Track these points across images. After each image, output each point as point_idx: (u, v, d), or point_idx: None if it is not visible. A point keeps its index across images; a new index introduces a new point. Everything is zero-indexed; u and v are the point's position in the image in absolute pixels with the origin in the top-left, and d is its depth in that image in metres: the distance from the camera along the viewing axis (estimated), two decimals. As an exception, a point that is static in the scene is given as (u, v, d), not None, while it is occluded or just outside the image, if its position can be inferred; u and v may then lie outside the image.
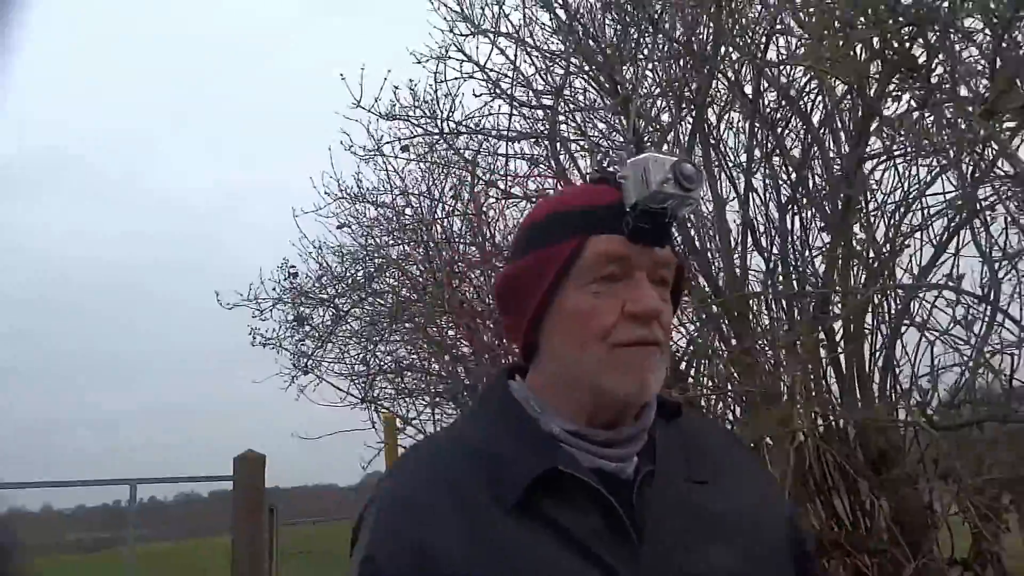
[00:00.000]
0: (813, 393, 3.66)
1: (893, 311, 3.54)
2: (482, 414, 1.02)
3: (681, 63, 3.72)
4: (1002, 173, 3.23)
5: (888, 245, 3.89)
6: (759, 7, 3.73)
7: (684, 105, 3.97)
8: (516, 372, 1.04)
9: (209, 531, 9.45)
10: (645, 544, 0.88)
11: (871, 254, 3.79)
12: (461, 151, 4.99)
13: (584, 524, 0.87)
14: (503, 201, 5.02)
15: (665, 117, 4.19)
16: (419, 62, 4.56)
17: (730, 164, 4.25)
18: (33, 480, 7.71)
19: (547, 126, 4.49)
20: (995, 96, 2.53)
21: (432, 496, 0.89)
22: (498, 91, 4.53)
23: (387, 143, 4.98)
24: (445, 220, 5.42)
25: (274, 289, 5.82)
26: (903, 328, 3.46)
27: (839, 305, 3.75)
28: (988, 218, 3.58)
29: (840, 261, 3.76)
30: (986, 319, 3.05)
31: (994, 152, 3.08)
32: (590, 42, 3.83)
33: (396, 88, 4.76)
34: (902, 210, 3.91)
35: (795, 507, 1.07)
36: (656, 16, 3.44)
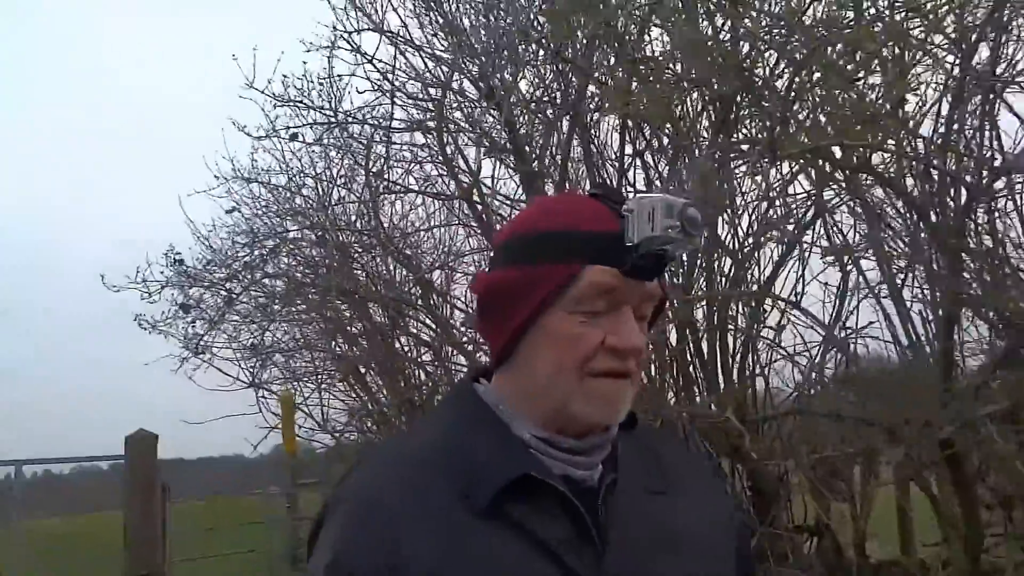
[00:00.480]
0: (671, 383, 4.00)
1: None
2: (450, 417, 1.00)
3: (556, 67, 3.91)
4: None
5: (749, 241, 4.22)
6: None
7: (561, 105, 4.18)
8: (480, 376, 1.04)
9: (109, 505, 9.29)
10: (608, 552, 0.89)
11: (734, 251, 4.12)
12: (356, 137, 5.08)
13: (553, 531, 0.88)
14: (393, 189, 5.15)
15: (549, 113, 4.41)
16: (308, 51, 4.61)
17: (606, 159, 4.50)
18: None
19: (434, 118, 4.62)
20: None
21: (401, 498, 0.88)
22: (386, 82, 4.63)
23: (283, 128, 5.01)
24: (338, 205, 5.49)
25: (161, 272, 5.77)
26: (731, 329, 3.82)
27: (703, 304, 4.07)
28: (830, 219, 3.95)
29: (704, 259, 4.06)
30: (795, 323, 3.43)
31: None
32: (469, 43, 3.98)
33: (285, 77, 4.80)
34: (763, 207, 4.25)
35: (744, 523, 1.11)
36: (529, 25, 3.62)
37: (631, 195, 0.96)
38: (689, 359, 3.92)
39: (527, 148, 4.29)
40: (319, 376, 5.97)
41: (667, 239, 0.89)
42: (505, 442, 0.93)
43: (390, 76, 4.57)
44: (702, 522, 0.99)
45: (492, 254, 1.02)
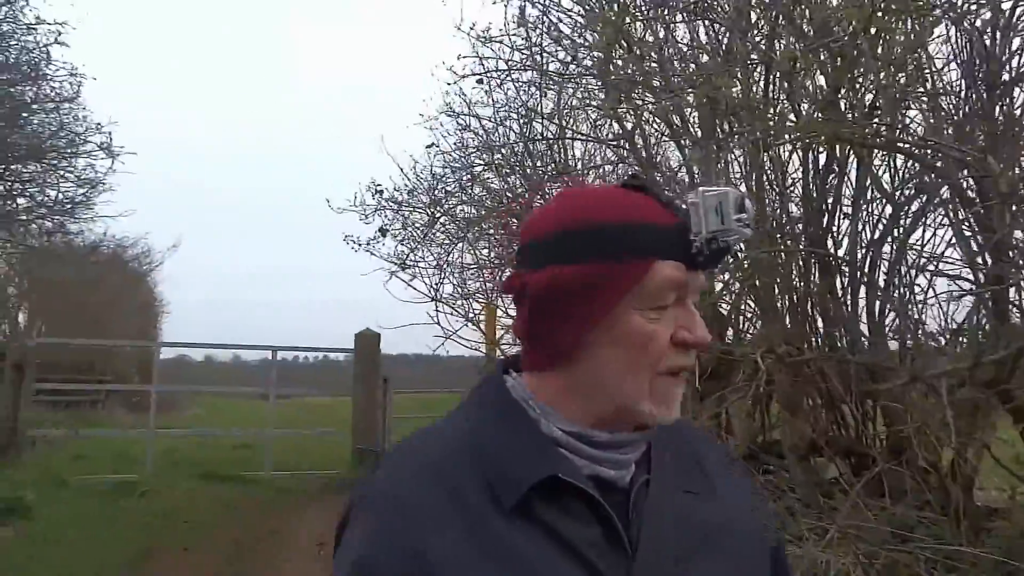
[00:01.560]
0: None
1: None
2: (479, 412, 0.96)
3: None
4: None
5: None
6: None
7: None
8: (509, 367, 1.00)
9: (344, 391, 10.94)
10: (639, 555, 0.87)
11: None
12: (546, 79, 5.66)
13: (581, 532, 0.86)
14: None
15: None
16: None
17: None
18: (199, 341, 9.32)
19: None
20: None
21: (428, 496, 0.85)
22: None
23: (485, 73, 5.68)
24: (529, 142, 6.14)
25: (373, 199, 6.77)
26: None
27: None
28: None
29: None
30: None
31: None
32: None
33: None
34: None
35: (776, 525, 1.13)
36: None
37: (689, 189, 1.02)
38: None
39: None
40: (489, 294, 6.72)
41: (734, 232, 0.88)
42: (534, 440, 0.90)
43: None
44: (738, 524, 0.97)
45: (524, 251, 0.94)
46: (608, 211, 0.90)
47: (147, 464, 9.34)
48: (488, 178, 6.84)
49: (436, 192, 6.90)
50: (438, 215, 7.01)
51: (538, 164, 6.29)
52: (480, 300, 6.78)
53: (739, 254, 4.14)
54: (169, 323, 28.60)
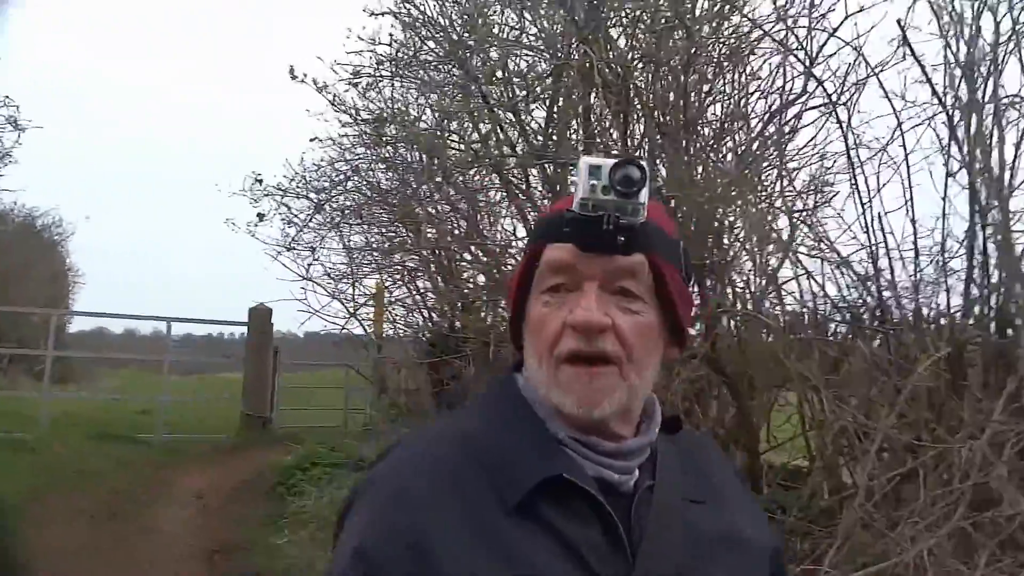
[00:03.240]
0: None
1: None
2: (489, 409, 0.95)
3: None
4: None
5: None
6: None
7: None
8: (523, 365, 0.97)
9: (226, 367, 11.66)
10: (638, 561, 0.85)
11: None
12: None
13: (583, 535, 0.84)
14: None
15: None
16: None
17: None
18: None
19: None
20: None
21: (432, 489, 0.84)
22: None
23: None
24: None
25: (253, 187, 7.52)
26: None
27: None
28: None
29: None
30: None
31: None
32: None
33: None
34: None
35: (779, 540, 1.09)
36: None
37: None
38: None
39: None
40: (355, 277, 7.51)
41: (595, 202, 0.83)
42: (540, 440, 0.89)
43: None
44: (740, 536, 0.95)
45: None
46: (553, 205, 0.93)
47: (41, 424, 9.87)
48: (368, 170, 7.63)
49: (319, 182, 7.68)
50: (321, 202, 7.78)
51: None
52: (349, 281, 7.54)
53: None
54: (86, 293, 28.38)
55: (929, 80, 3.93)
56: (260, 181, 7.51)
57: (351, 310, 6.94)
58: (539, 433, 0.90)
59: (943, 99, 3.86)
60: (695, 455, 1.01)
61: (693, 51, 4.30)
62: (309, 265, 7.02)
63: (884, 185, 4.30)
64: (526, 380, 0.95)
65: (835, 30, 4.32)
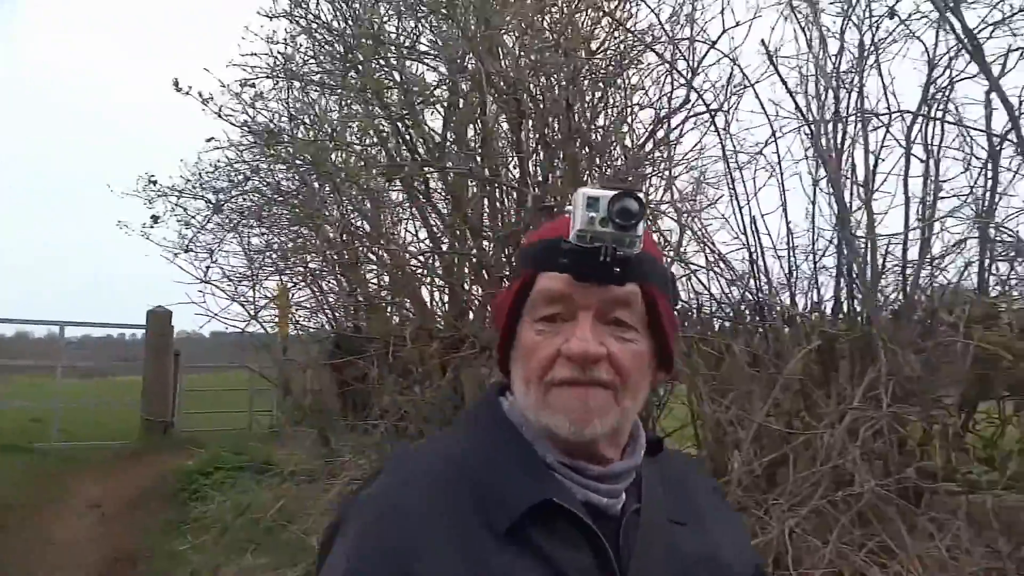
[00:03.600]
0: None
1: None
2: (476, 432, 0.95)
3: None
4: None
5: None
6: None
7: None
8: (507, 389, 0.98)
9: (125, 371, 11.36)
10: None
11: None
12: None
13: (572, 559, 0.84)
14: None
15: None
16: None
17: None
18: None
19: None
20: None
21: (419, 513, 0.84)
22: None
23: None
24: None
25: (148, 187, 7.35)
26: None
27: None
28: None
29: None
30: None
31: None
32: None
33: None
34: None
35: (761, 558, 1.12)
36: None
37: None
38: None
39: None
40: (256, 279, 7.43)
41: (592, 234, 0.83)
42: (528, 464, 0.89)
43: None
44: (721, 557, 0.96)
45: None
46: (537, 234, 0.95)
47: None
48: (268, 170, 7.56)
49: (218, 182, 7.56)
50: (220, 203, 7.67)
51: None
52: (249, 284, 7.45)
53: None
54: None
55: (792, 95, 4.25)
56: (154, 182, 7.35)
57: (251, 312, 6.87)
58: (527, 457, 0.90)
59: (804, 113, 4.20)
60: (676, 475, 1.02)
61: (574, 66, 4.50)
62: (207, 268, 6.92)
63: (760, 189, 4.63)
64: (511, 404, 0.96)
65: (713, 43, 4.60)
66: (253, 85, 5.70)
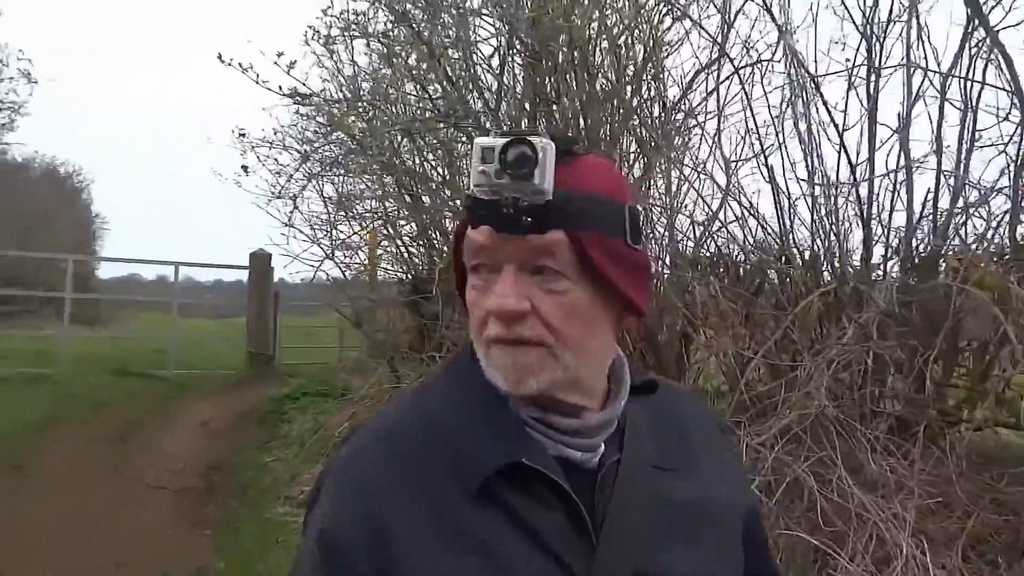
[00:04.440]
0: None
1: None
2: (448, 389, 0.93)
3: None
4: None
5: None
6: None
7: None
8: None
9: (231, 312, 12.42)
10: (601, 540, 0.84)
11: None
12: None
13: (545, 518, 0.83)
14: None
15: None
16: None
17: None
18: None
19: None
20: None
21: (389, 474, 0.84)
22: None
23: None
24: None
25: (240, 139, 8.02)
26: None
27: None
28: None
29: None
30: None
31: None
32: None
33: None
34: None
35: (756, 498, 1.01)
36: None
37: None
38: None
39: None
40: (334, 223, 8.01)
41: (489, 185, 0.80)
42: (500, 422, 0.86)
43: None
44: (710, 501, 0.93)
45: None
46: None
47: (61, 361, 10.72)
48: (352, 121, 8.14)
49: (303, 134, 8.22)
50: (307, 153, 8.33)
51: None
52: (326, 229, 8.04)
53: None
54: (114, 240, 29.42)
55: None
56: (243, 135, 8.02)
57: (327, 253, 7.50)
58: (501, 414, 0.87)
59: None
60: (673, 415, 0.98)
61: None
62: (291, 213, 7.60)
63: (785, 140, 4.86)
64: None
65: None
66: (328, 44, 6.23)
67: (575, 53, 5.46)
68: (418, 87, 6.24)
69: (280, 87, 5.99)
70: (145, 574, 4.37)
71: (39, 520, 5.10)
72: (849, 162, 4.63)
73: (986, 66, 4.39)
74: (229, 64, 5.63)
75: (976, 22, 4.30)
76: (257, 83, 5.72)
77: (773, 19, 4.82)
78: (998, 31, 4.26)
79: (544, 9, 5.12)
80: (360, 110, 6.36)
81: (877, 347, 3.75)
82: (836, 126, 4.70)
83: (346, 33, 6.34)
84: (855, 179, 4.63)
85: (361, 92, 6.90)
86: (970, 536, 3.30)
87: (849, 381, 3.72)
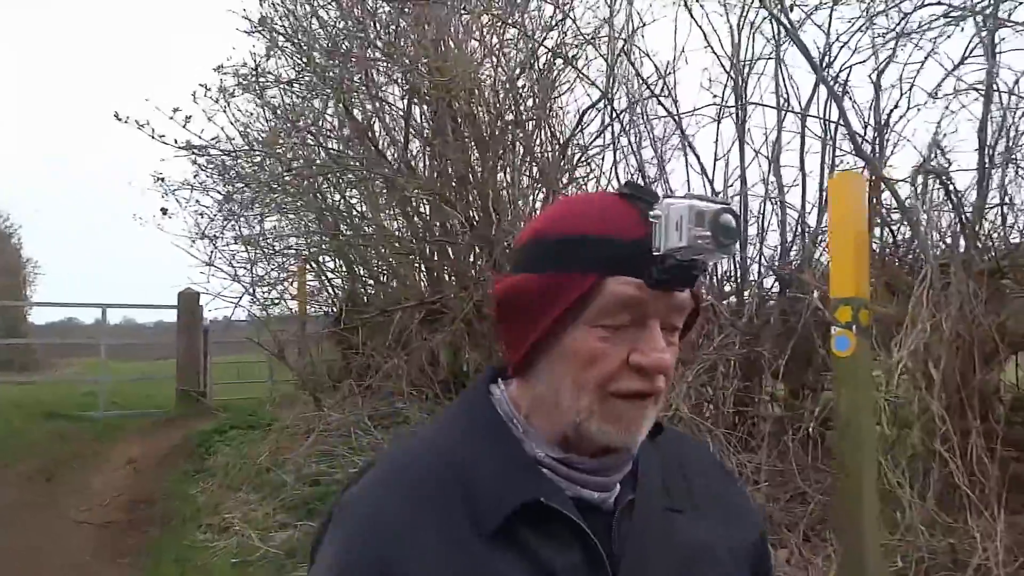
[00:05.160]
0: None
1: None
2: (461, 427, 0.92)
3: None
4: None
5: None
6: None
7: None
8: (498, 374, 0.96)
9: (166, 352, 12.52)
10: None
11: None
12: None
13: (563, 558, 0.83)
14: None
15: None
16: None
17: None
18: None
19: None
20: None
21: (403, 516, 0.82)
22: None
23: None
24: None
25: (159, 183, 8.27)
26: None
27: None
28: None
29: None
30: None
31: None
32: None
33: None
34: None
35: (765, 530, 1.06)
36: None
37: (663, 197, 0.84)
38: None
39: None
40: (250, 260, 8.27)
41: (696, 250, 0.80)
42: (515, 461, 0.87)
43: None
44: (718, 542, 0.93)
45: (512, 255, 0.93)
46: (572, 221, 0.87)
47: (-9, 406, 10.72)
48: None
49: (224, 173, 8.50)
50: (229, 194, 8.61)
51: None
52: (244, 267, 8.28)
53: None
54: (48, 284, 28.83)
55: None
56: (162, 179, 8.27)
57: (247, 289, 7.78)
58: (516, 454, 0.88)
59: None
60: (676, 457, 0.98)
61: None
62: (211, 253, 7.87)
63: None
64: (501, 394, 0.93)
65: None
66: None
67: (474, 95, 5.96)
68: (316, 134, 6.64)
69: (175, 140, 6.37)
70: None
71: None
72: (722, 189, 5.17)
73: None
74: (125, 121, 5.97)
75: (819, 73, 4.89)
76: (153, 138, 6.07)
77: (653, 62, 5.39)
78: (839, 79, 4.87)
79: (442, 59, 5.61)
80: (256, 155, 6.74)
81: (729, 355, 4.22)
82: (700, 160, 5.27)
83: (244, 84, 6.76)
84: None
85: (256, 138, 7.27)
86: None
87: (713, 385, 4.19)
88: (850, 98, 5.18)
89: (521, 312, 0.87)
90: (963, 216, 3.93)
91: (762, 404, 4.31)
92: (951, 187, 3.85)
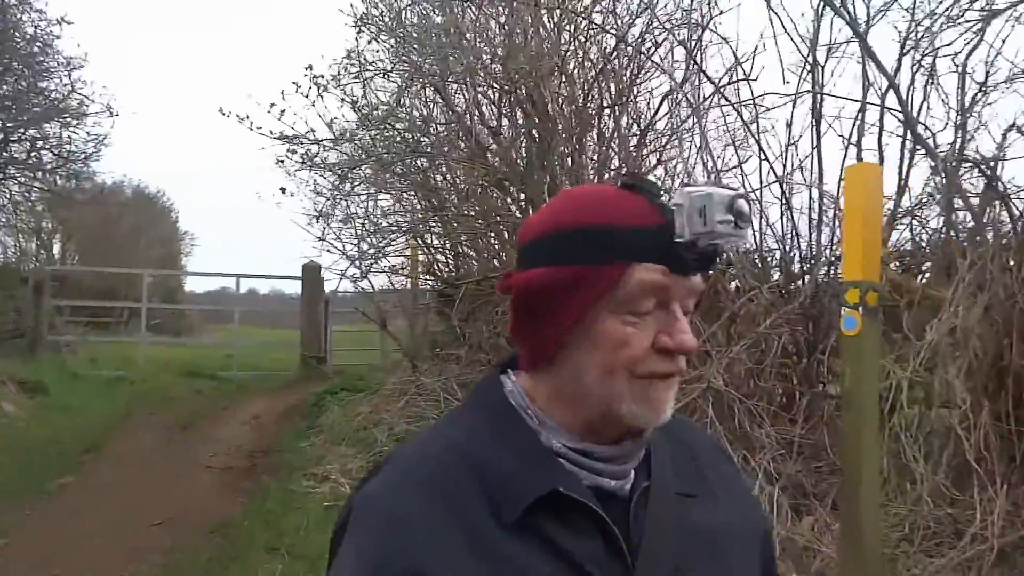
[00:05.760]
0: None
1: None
2: (476, 420, 0.93)
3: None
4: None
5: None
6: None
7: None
8: (507, 367, 0.97)
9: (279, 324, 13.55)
10: (638, 566, 0.86)
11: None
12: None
13: (583, 546, 0.84)
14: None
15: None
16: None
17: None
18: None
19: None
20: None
21: (426, 511, 0.83)
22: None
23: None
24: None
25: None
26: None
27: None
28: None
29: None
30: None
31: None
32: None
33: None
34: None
35: (768, 522, 1.08)
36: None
37: (676, 187, 0.88)
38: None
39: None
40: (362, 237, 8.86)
41: (721, 235, 0.84)
42: (532, 452, 0.88)
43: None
44: (731, 527, 0.96)
45: (520, 251, 0.93)
46: (588, 212, 0.88)
47: (139, 364, 12.06)
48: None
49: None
50: (345, 174, 9.28)
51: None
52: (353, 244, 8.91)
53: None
54: (202, 255, 30.90)
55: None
56: (281, 162, 8.96)
57: (359, 266, 8.41)
58: (532, 445, 0.89)
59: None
60: (684, 444, 1.00)
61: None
62: (323, 229, 8.56)
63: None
64: (513, 385, 0.94)
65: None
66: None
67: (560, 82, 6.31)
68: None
69: (271, 131, 7.09)
70: (185, 525, 5.40)
71: (109, 484, 6.30)
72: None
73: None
74: (228, 116, 6.68)
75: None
76: (251, 130, 6.76)
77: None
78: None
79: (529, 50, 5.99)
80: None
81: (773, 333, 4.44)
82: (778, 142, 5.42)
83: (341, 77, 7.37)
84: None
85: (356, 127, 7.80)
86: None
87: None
88: (935, 83, 5.17)
89: (546, 305, 0.88)
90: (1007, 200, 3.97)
91: (803, 380, 4.49)
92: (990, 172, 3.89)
